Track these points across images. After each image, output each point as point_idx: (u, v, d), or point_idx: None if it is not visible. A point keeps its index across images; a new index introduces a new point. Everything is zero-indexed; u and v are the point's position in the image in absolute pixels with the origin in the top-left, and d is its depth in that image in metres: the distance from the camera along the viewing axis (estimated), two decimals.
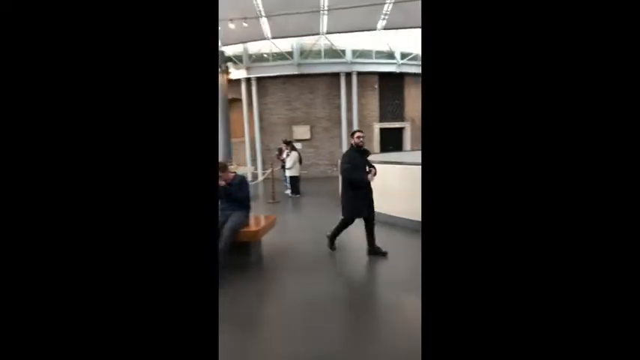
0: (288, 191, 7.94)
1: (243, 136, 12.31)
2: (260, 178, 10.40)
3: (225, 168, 3.57)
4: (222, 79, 11.85)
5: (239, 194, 3.60)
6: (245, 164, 12.25)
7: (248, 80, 12.08)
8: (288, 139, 8.59)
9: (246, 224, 3.52)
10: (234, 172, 3.75)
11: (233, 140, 12.61)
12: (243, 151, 12.45)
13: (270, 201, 7.28)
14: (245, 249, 3.51)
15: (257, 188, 9.49)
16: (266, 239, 3.94)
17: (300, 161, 8.72)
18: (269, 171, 7.86)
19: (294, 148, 8.01)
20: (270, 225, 3.82)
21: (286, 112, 12.31)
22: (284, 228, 5.13)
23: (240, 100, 12.32)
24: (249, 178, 11.57)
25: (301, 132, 12.02)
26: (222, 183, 3.51)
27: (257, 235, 3.42)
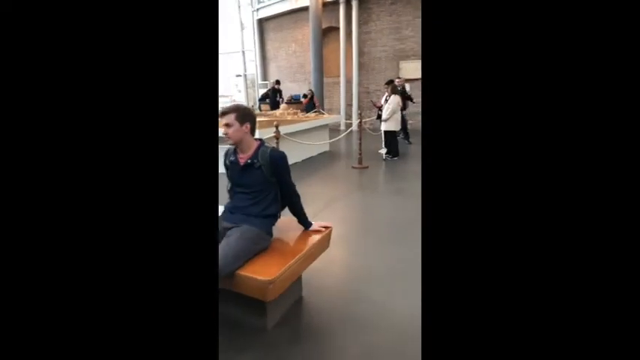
0: (383, 151, 5.73)
1: (338, 75, 10.13)
2: (354, 127, 8.10)
3: (232, 112, 1.63)
4: (316, 2, 9.63)
5: (261, 188, 1.68)
6: (338, 111, 10.22)
7: (348, 2, 9.53)
8: (392, 79, 6.13)
9: (258, 251, 1.61)
10: (260, 140, 1.76)
11: (326, 80, 10.58)
12: (338, 94, 10.36)
13: (356, 165, 5.21)
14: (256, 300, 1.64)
15: (347, 145, 7.44)
16: (315, 264, 2.01)
17: (404, 108, 6.29)
18: (357, 122, 5.68)
19: (395, 91, 5.59)
20: (320, 247, 1.83)
21: (393, 42, 9.54)
22: (358, 226, 3.09)
23: (337, 29, 9.98)
24: (342, 127, 9.55)
25: (411, 69, 9.20)
26: (222, 134, 1.60)
27: (268, 293, 1.46)
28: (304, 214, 1.84)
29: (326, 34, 10.39)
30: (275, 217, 1.76)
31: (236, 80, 13.70)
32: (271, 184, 1.70)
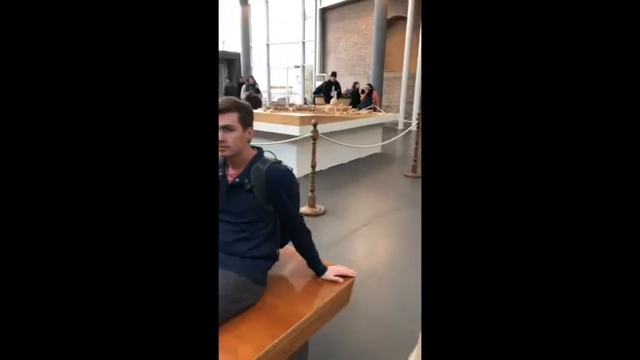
0: None
1: (400, 69, 9.32)
2: (412, 128, 7.08)
3: (234, 111, 1.12)
4: None
5: (253, 219, 1.20)
6: (397, 108, 9.42)
7: None
8: None
9: (241, 309, 1.11)
10: (257, 149, 1.24)
11: (386, 75, 9.82)
12: (398, 90, 9.56)
13: (409, 174, 4.52)
14: None
15: (403, 147, 6.70)
16: (329, 329, 1.47)
17: None
18: (416, 122, 4.96)
19: None
20: (333, 307, 1.28)
21: None
22: (399, 257, 2.46)
23: (404, 18, 9.15)
24: (400, 126, 8.75)
25: None
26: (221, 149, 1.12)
27: None
28: (316, 257, 1.30)
29: (391, 24, 9.61)
30: (270, 259, 1.24)
31: (296, 71, 13.45)
32: (267, 213, 1.19)
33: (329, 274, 1.30)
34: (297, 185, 1.26)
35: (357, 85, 8.88)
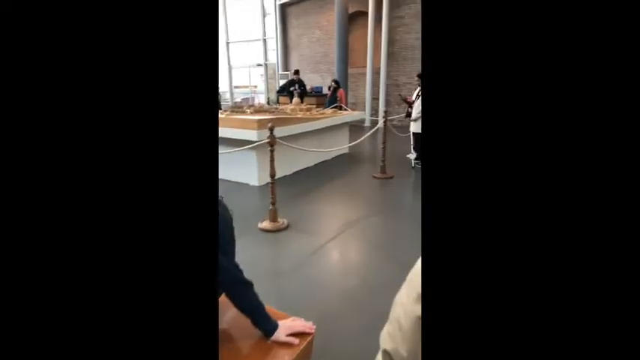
0: (412, 156, 4.77)
1: (364, 65, 9.13)
2: (380, 125, 6.67)
3: None
4: None
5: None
6: (363, 105, 9.24)
7: None
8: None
9: None
10: None
11: (350, 71, 9.60)
12: (363, 87, 9.38)
13: (378, 175, 4.29)
14: None
15: (371, 145, 6.48)
16: None
17: None
18: (381, 120, 4.74)
19: None
20: None
21: None
22: (365, 281, 2.19)
23: (365, 13, 8.96)
24: (367, 123, 8.57)
25: None
26: None
27: None
28: (260, 313, 1.00)
29: (353, 19, 9.40)
30: None
31: (260, 70, 12.97)
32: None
33: (280, 334, 1.00)
34: (230, 224, 0.95)
35: (333, 84, 7.77)
